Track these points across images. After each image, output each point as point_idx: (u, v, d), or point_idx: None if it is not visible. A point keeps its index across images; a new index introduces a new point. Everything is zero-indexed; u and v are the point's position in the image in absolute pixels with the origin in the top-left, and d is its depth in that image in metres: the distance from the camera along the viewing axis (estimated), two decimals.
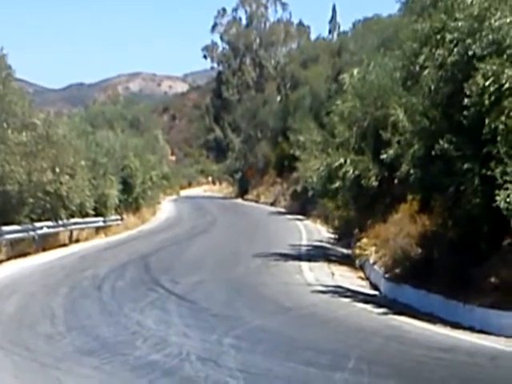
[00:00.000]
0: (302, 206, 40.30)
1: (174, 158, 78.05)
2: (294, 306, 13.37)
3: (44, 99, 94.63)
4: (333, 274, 18.35)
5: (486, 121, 10.98)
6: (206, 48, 69.63)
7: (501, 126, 10.86)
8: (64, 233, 24.63)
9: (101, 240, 26.79)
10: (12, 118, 20.50)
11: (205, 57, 69.96)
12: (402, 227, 16.18)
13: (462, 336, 10.75)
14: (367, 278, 17.77)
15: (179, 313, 11.80)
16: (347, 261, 20.59)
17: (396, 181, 13.85)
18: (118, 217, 31.08)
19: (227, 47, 69.44)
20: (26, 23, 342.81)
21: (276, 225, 34.33)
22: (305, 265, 19.71)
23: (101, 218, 28.09)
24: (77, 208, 23.96)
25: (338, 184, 17.01)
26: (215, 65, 70.66)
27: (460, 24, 11.67)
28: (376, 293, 15.74)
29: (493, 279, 11.59)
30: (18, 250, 20.47)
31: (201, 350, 9.06)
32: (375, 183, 16.36)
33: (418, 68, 12.59)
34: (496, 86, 10.93)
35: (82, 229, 26.55)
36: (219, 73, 70.07)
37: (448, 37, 11.84)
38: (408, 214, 16.09)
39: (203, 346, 9.29)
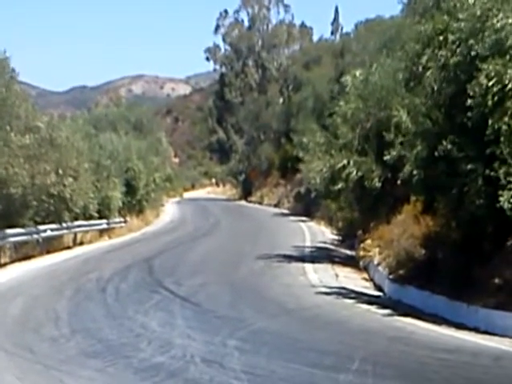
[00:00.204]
0: (306, 207, 40.29)
1: (177, 160, 78.18)
2: (298, 308, 13.37)
3: (47, 102, 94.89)
4: (337, 276, 18.35)
5: (490, 121, 10.97)
6: (208, 50, 69.58)
7: (504, 127, 10.85)
8: (68, 235, 24.66)
9: (104, 242, 26.82)
10: (15, 120, 20.51)
11: (207, 59, 69.93)
12: (405, 228, 16.17)
13: (467, 337, 10.73)
14: (371, 280, 17.76)
15: (183, 315, 11.79)
16: (351, 262, 20.58)
17: (399, 182, 13.82)
18: (122, 219, 31.10)
19: (230, 49, 69.38)
20: (29, 26, 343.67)
21: (279, 226, 34.33)
22: (309, 266, 19.71)
23: (104, 221, 28.12)
24: (80, 210, 24.00)
25: (341, 185, 17.01)
26: (218, 67, 70.58)
27: (462, 25, 11.66)
28: (380, 294, 15.73)
29: (497, 280, 11.58)
30: (22, 252, 20.48)
31: (205, 352, 9.06)
32: (378, 184, 16.36)
33: (420, 69, 12.58)
34: (499, 86, 10.92)
35: (86, 231, 26.59)
36: (222, 75, 70.01)
37: (450, 37, 11.83)
38: (411, 215, 16.08)
39: (207, 348, 9.29)
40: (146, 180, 35.13)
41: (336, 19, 54.73)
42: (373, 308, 13.39)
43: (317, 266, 19.84)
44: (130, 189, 32.53)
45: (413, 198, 15.65)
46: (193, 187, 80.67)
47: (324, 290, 15.52)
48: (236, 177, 66.47)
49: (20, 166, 19.73)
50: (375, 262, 17.68)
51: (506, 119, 10.84)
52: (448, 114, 12.16)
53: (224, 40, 69.32)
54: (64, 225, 23.25)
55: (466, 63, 11.62)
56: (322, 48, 50.19)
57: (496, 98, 10.94)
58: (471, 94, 11.15)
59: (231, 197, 65.93)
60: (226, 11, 69.02)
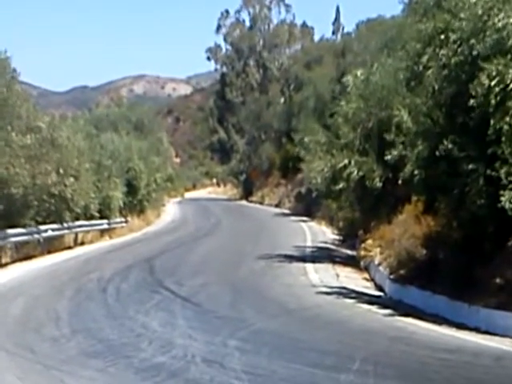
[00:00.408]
0: (307, 207, 40.28)
1: (178, 160, 78.16)
2: (299, 308, 13.37)
3: (48, 102, 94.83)
4: (337, 276, 18.34)
5: (491, 121, 10.95)
6: (209, 50, 69.57)
7: (506, 127, 10.84)
8: (69, 235, 24.67)
9: (105, 242, 26.83)
10: (16, 120, 20.52)
11: (208, 59, 69.94)
12: (406, 228, 16.17)
13: (468, 337, 10.73)
14: (372, 280, 17.76)
15: (184, 315, 11.79)
16: (352, 262, 20.58)
17: (400, 182, 13.81)
18: (123, 219, 31.11)
19: (231, 49, 69.38)
20: (30, 26, 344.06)
21: (280, 226, 34.33)
22: (309, 266, 19.71)
23: (105, 221, 28.12)
24: (81, 210, 24.00)
25: (342, 185, 17.00)
26: (219, 67, 70.58)
27: (464, 24, 11.65)
28: (381, 294, 15.72)
29: (498, 280, 11.58)
30: (23, 252, 20.49)
31: (206, 352, 9.05)
32: (379, 184, 16.34)
33: (421, 68, 12.57)
34: (501, 86, 10.90)
35: (87, 231, 26.60)
36: (223, 75, 70.01)
37: (452, 37, 11.82)
38: (412, 214, 16.07)
39: (208, 348, 9.29)
40: (147, 180, 35.14)
41: (337, 19, 54.71)
42: (374, 308, 13.38)
43: (318, 265, 19.84)
44: (131, 189, 32.54)
45: (414, 198, 15.64)
46: (194, 187, 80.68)
47: (325, 289, 15.52)
48: (237, 177, 66.48)
49: (21, 166, 19.74)
50: (376, 262, 17.68)
51: (508, 119, 10.83)
52: (449, 114, 12.15)
53: (225, 40, 69.36)
54: (65, 225, 23.26)
55: (467, 63, 11.61)
56: (323, 48, 50.18)
57: (498, 98, 10.93)
58: (473, 93, 11.14)
59: (232, 197, 65.93)
60: (227, 11, 69.08)
